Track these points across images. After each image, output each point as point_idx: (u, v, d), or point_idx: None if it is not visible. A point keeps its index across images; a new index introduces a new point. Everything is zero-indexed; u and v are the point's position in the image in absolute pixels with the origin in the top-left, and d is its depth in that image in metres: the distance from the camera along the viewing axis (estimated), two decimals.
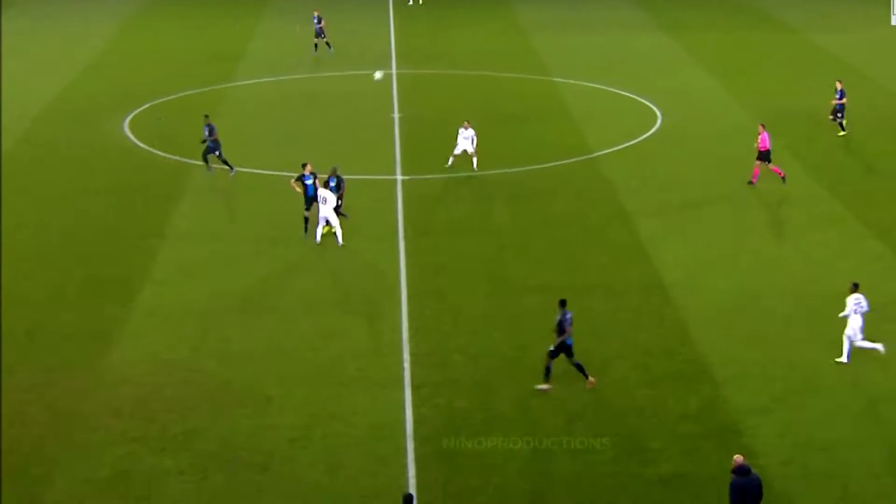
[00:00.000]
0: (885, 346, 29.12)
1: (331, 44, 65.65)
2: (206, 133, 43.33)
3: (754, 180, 41.84)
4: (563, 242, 37.61)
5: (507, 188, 42.57)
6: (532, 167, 44.97)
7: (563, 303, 27.67)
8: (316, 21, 65.58)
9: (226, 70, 61.69)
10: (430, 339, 30.59)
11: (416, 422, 26.53)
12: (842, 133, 47.95)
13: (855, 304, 29.04)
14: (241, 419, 26.73)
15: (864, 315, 29.08)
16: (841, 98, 47.98)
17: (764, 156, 41.88)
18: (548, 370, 27.60)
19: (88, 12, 79.89)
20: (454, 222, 39.42)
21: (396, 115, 52.89)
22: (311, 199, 37.37)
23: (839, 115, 48.04)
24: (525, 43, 70.20)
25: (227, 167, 43.68)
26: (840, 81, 48.48)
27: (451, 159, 44.37)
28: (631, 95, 56.19)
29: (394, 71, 62.18)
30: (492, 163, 45.19)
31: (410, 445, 25.66)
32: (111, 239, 37.99)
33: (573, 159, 45.80)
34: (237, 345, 30.37)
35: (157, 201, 41.62)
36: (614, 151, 47.12)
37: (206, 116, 43.93)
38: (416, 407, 27.14)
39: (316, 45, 65.38)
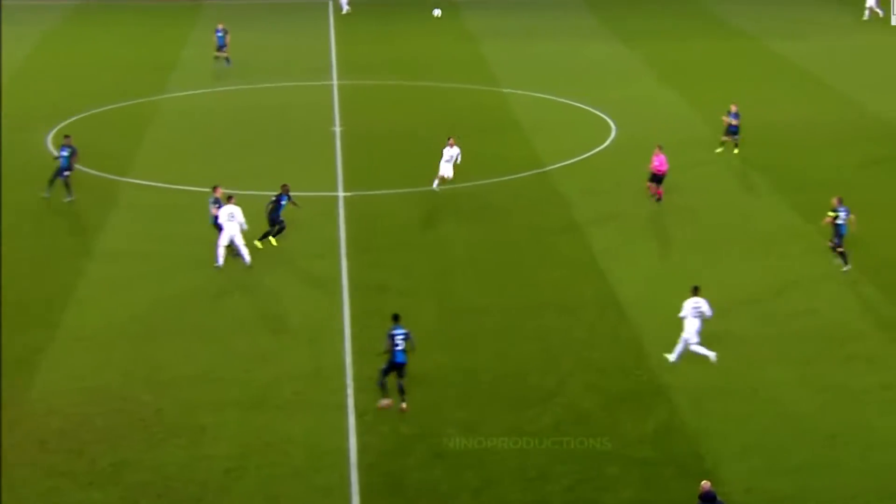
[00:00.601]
0: (716, 355, 29.73)
1: (230, 59, 64.42)
2: (64, 153, 42.63)
3: (659, 194, 42.03)
4: (515, 259, 37.70)
5: (456, 203, 42.62)
6: (482, 181, 45.03)
7: (395, 317, 28.60)
8: (220, 33, 64.50)
9: (158, 80, 61.32)
10: (375, 362, 30.41)
11: (360, 450, 26.43)
12: (736, 150, 47.84)
13: (692, 308, 29.70)
14: (174, 450, 26.49)
15: (703, 320, 29.79)
16: (735, 120, 47.57)
17: (658, 178, 41.79)
18: (382, 386, 28.16)
19: (9, 19, 79.06)
20: (400, 239, 39.40)
21: (337, 129, 52.82)
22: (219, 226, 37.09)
23: (734, 136, 47.70)
24: (474, 51, 70.37)
25: (66, 189, 42.71)
26: (735, 104, 48.31)
27: (436, 181, 43.33)
28: (584, 107, 56.48)
29: (334, 82, 62.16)
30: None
31: (354, 475, 25.55)
32: (35, 259, 37.56)
33: (524, 173, 45.95)
34: (169, 370, 30.12)
35: (83, 219, 41.26)
36: (567, 165, 47.32)
37: (67, 137, 43.48)
38: (359, 434, 27.04)
39: (227, 59, 64.39)
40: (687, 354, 29.97)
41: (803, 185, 44.85)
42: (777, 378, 29.61)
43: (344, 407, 28.24)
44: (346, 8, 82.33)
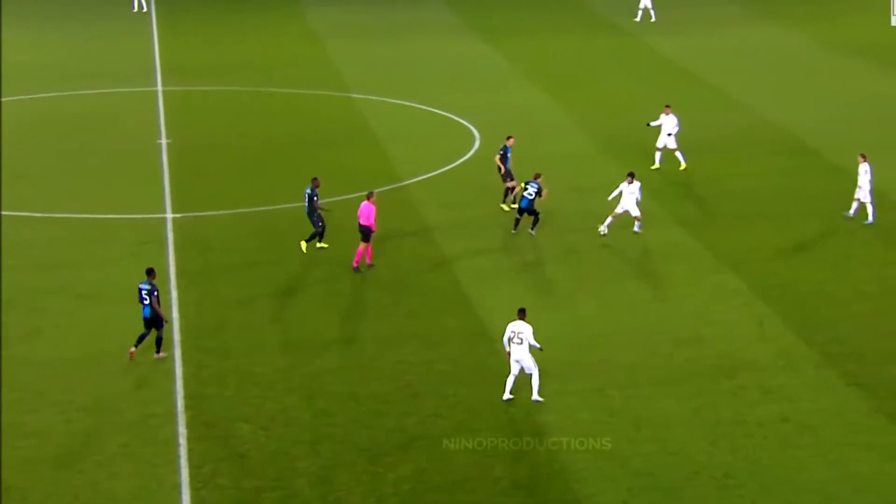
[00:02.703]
0: (536, 399, 30.33)
1: None
2: None
3: (356, 263, 38.54)
4: (369, 286, 37.74)
5: (301, 225, 42.46)
6: (329, 199, 45.01)
7: (147, 272, 32.50)
8: None
9: None
10: (211, 407, 30.23)
11: None
12: (505, 206, 43.78)
13: (511, 332, 30.26)
14: None
15: (529, 346, 30.22)
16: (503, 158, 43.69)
17: (365, 234, 38.49)
18: (140, 338, 32.52)
19: None
20: (238, 267, 39.14)
21: (164, 141, 52.37)
22: None
23: (508, 181, 43.35)
24: (319, 52, 70.56)
25: None
26: (512, 137, 44.44)
27: (608, 221, 41.10)
28: (444, 113, 56.93)
29: (159, 88, 61.60)
30: (280, 196, 45.12)
31: None
32: None
33: (379, 189, 45.98)
34: None
35: None
36: (426, 179, 47.62)
37: None
38: (194, 489, 26.75)
39: None
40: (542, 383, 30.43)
41: (689, 198, 45.74)
42: (664, 412, 30.08)
43: (176, 459, 27.92)
44: (136, 6, 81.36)
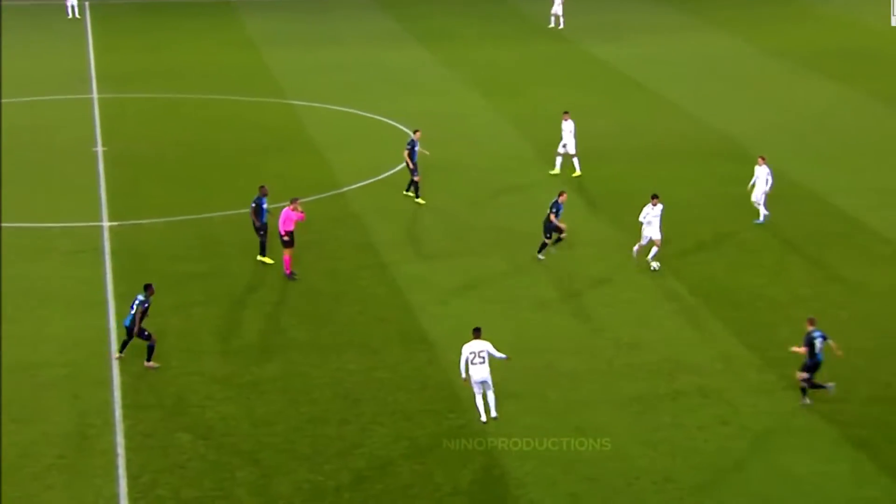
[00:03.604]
0: (493, 416, 30.01)
1: None
2: None
3: (288, 270, 38.62)
4: (309, 293, 37.73)
5: (239, 233, 42.41)
6: (268, 206, 44.94)
7: (145, 287, 32.76)
8: None
9: None
10: (150, 417, 30.12)
11: None
12: (419, 200, 45.22)
13: (470, 353, 29.95)
14: None
15: (494, 360, 30.02)
16: (410, 152, 45.01)
17: (286, 241, 38.45)
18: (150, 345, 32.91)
19: None
20: (177, 275, 38.98)
21: (100, 149, 52.11)
22: None
23: (413, 174, 44.88)
24: (255, 59, 70.47)
25: None
26: (419, 131, 46.30)
27: (652, 253, 39.77)
28: (384, 119, 57.01)
29: (94, 95, 61.30)
30: (219, 203, 45.02)
31: None
32: None
33: (318, 196, 46.10)
34: None
35: None
36: (366, 185, 47.67)
37: None
38: (133, 500, 26.64)
39: None
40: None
41: (633, 207, 45.82)
42: (605, 416, 30.29)
43: (114, 470, 27.79)
44: (70, 13, 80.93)
